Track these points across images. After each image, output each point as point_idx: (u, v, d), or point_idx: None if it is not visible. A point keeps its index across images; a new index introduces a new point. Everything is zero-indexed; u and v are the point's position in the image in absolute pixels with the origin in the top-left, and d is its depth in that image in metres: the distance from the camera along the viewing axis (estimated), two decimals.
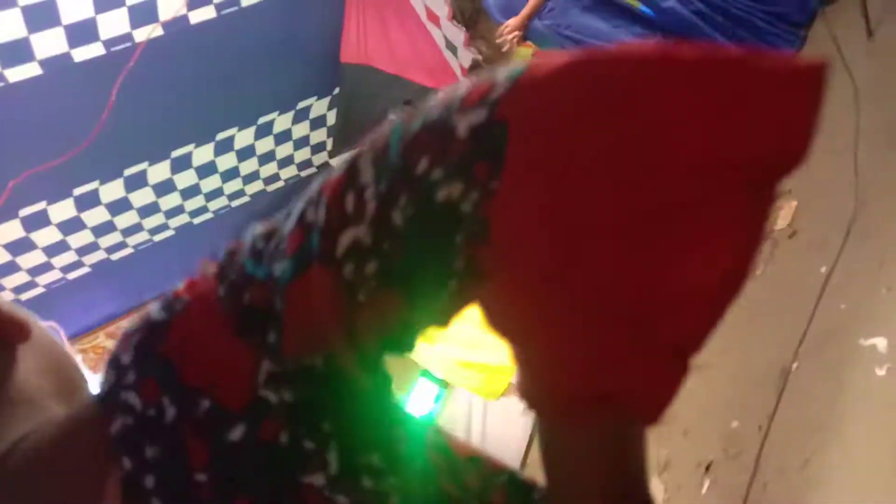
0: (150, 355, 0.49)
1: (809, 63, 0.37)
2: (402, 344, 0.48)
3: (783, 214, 2.35)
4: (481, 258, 0.41)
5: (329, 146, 5.04)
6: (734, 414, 2.04)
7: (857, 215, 1.91)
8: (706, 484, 2.01)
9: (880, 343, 1.56)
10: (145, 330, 0.51)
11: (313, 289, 0.46)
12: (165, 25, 3.30)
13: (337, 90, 4.61)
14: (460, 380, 3.25)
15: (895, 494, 1.31)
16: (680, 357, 0.41)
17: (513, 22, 3.21)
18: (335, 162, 5.14)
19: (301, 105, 4.44)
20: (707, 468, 2.04)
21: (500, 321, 0.43)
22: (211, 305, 0.50)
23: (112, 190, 3.82)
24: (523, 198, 0.39)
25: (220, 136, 4.15)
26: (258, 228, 0.54)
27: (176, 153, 4.00)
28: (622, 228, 0.38)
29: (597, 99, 0.38)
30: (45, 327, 0.60)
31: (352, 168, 0.48)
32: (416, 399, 4.73)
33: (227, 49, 3.72)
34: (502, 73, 0.42)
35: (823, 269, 1.93)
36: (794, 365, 1.85)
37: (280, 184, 4.99)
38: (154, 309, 0.53)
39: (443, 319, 0.46)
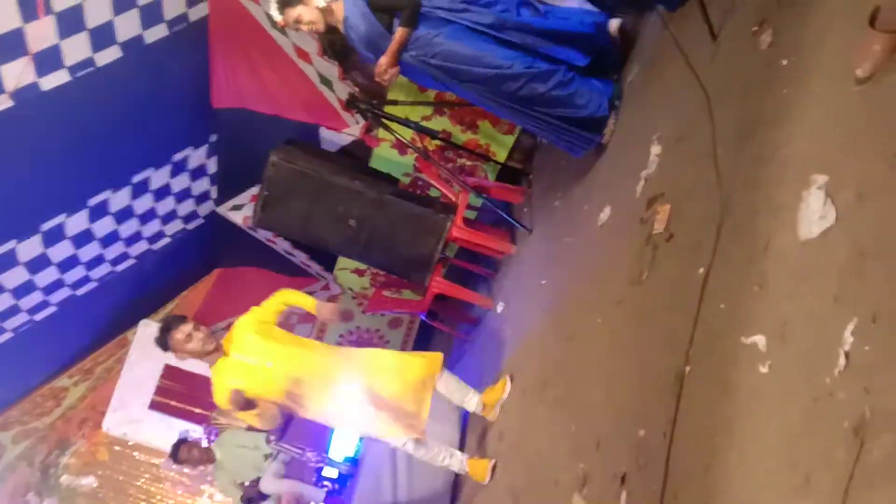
0: None
1: None
2: None
3: (659, 218, 2.43)
4: None
5: (214, 194, 4.87)
6: (640, 422, 2.08)
7: (723, 215, 1.99)
8: (623, 496, 2.04)
9: (760, 341, 1.62)
10: None
11: None
12: (14, 95, 3.08)
13: (214, 137, 4.46)
14: (377, 429, 3.20)
15: (792, 489, 1.35)
16: None
17: (384, 60, 3.20)
18: (222, 209, 4.97)
19: (177, 157, 4.27)
20: (622, 480, 2.07)
21: None
22: None
23: None
24: None
25: (93, 201, 3.93)
26: None
27: (45, 226, 3.75)
28: None
29: None
30: None
31: None
32: (336, 446, 4.65)
33: (88, 111, 3.52)
34: None
35: (701, 271, 2.00)
36: (688, 368, 1.90)
37: (167, 240, 4.78)
38: None
39: None
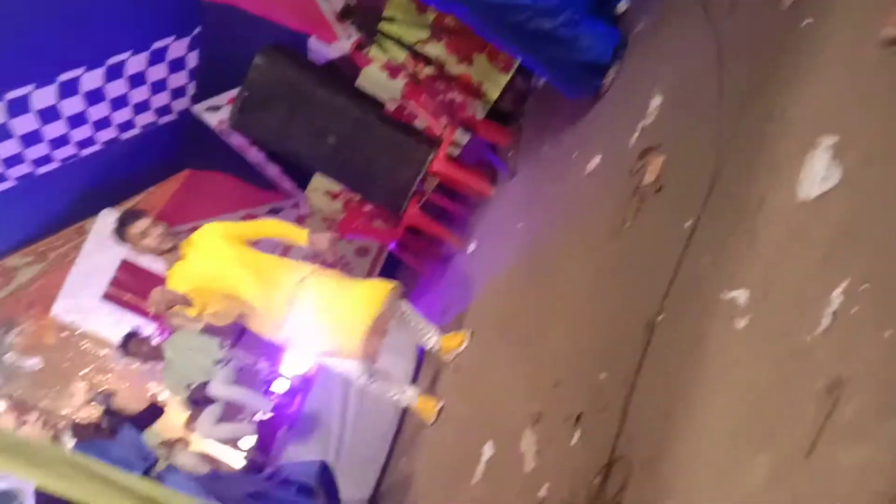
0: None
1: None
2: None
3: (651, 170, 2.39)
4: None
5: (191, 91, 4.67)
6: (602, 366, 2.07)
7: (719, 169, 1.96)
8: (576, 436, 2.04)
9: (741, 295, 1.60)
10: None
11: None
12: None
13: (198, 30, 4.25)
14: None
15: (753, 444, 1.35)
16: None
17: None
18: (198, 108, 4.78)
19: (157, 45, 4.06)
20: (577, 420, 2.07)
21: None
22: None
23: None
24: None
25: (64, 76, 3.72)
26: None
27: (11, 94, 3.55)
28: None
29: None
30: None
31: None
32: (289, 362, 4.63)
33: None
34: None
35: (688, 224, 1.97)
36: (659, 318, 1.89)
37: (136, 131, 4.59)
38: None
39: None
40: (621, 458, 1.77)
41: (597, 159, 2.95)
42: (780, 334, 1.43)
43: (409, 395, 3.32)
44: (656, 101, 2.64)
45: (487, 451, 2.59)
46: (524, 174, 4.00)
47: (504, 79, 4.55)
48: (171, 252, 3.07)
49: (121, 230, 3.07)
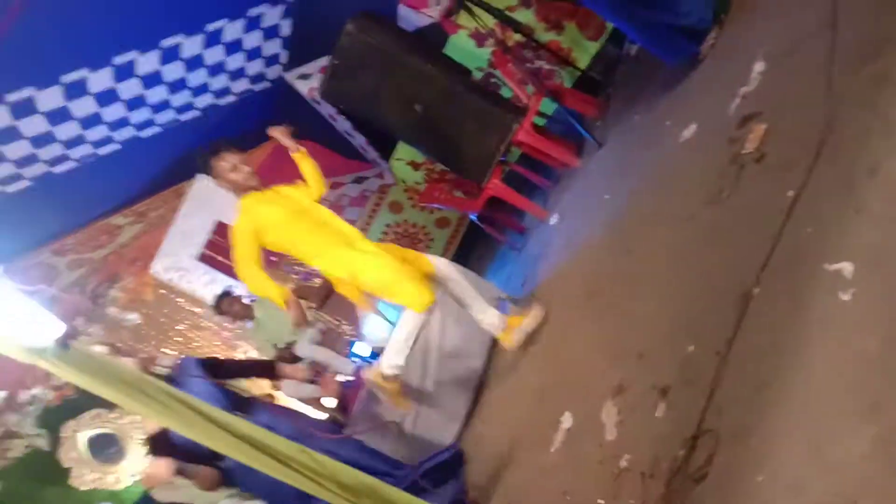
0: None
1: None
2: None
3: (752, 138, 2.28)
4: None
5: (283, 59, 4.79)
6: (691, 338, 2.02)
7: (827, 136, 1.85)
8: (661, 407, 2.00)
9: (846, 268, 1.52)
10: None
11: None
12: None
13: None
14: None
15: (857, 413, 1.29)
16: None
17: None
18: (290, 76, 4.90)
19: (252, 12, 4.17)
20: (663, 392, 2.03)
21: None
22: None
23: (48, 97, 3.56)
24: None
25: (166, 42, 3.88)
26: None
27: (118, 59, 3.73)
28: None
29: None
30: None
31: None
32: (371, 324, 4.73)
33: None
34: None
35: (791, 193, 1.88)
36: (756, 290, 1.81)
37: (232, 98, 4.75)
38: None
39: None
40: (709, 431, 1.73)
41: (692, 127, 2.85)
42: (886, 307, 1.35)
43: (496, 315, 3.28)
44: (759, 67, 2.51)
45: (566, 420, 2.59)
46: (613, 145, 3.91)
47: (594, 47, 4.45)
48: (251, 190, 3.14)
49: (209, 160, 3.12)
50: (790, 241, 1.80)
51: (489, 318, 3.30)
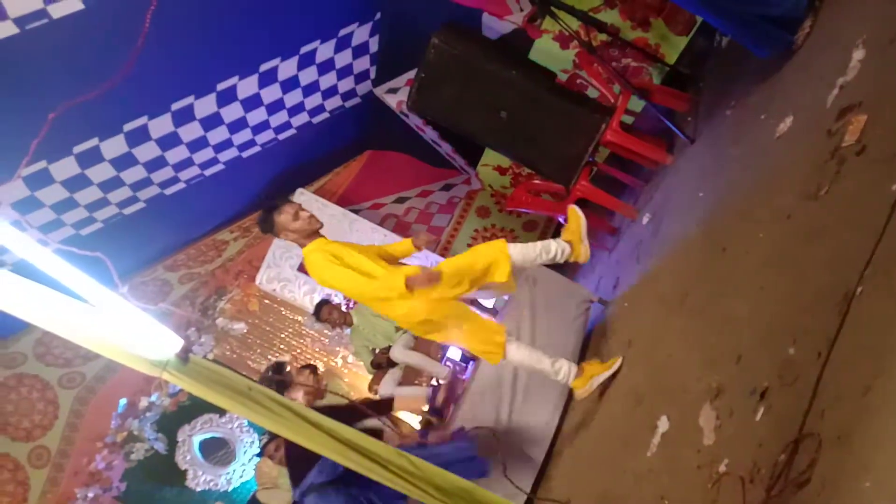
0: None
1: None
2: None
3: (851, 130, 2.19)
4: None
5: (372, 75, 4.95)
6: (790, 339, 1.96)
7: None
8: (760, 411, 1.96)
9: None
10: None
11: None
12: None
13: (378, 15, 4.48)
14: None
15: None
16: None
17: None
18: (379, 91, 5.06)
19: (343, 32, 4.34)
20: (762, 395, 1.98)
21: None
22: None
23: (160, 125, 3.85)
24: None
25: (264, 67, 4.11)
26: None
27: (220, 86, 3.99)
28: None
29: None
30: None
31: None
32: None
33: None
34: None
35: (895, 187, 1.80)
36: (859, 289, 1.75)
37: (325, 115, 4.96)
38: None
39: None
40: (810, 435, 1.68)
41: (788, 120, 2.75)
42: None
43: (567, 366, 3.28)
44: (858, 55, 2.40)
45: (662, 424, 2.55)
46: (705, 141, 3.81)
47: (683, 41, 4.34)
48: (315, 236, 3.16)
49: (270, 218, 3.15)
50: (894, 238, 1.72)
51: (563, 370, 3.29)
